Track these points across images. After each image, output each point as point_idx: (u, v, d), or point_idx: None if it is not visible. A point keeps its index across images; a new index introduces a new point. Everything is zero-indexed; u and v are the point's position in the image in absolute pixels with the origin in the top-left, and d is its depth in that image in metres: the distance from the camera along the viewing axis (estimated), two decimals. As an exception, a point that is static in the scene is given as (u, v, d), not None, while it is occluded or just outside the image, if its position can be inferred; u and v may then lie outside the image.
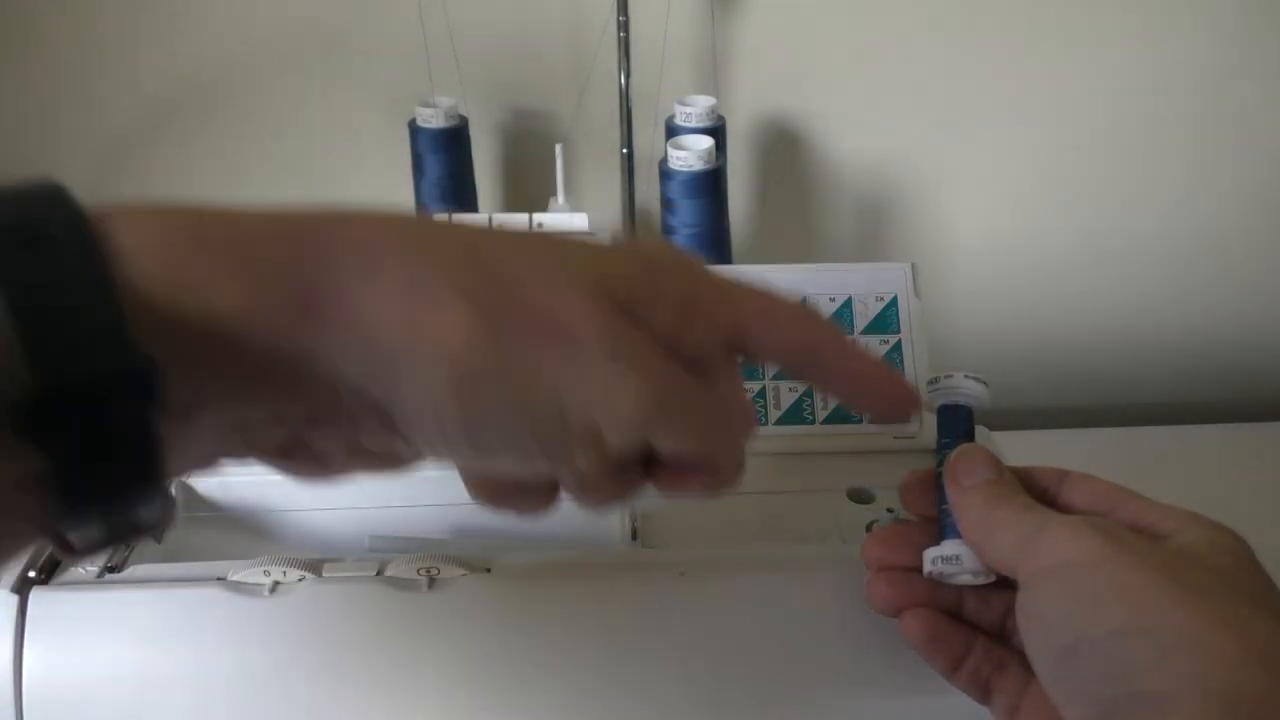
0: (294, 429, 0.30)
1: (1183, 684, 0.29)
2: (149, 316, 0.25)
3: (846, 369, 0.35)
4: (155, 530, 0.27)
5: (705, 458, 0.33)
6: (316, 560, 0.42)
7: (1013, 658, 0.37)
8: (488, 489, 0.34)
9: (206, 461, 0.30)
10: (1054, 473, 0.39)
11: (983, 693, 0.38)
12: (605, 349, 0.29)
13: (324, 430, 0.30)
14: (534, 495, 0.34)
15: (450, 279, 0.29)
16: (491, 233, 0.33)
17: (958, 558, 0.37)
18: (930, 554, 0.38)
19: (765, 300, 0.34)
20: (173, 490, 0.27)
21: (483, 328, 0.28)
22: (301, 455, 0.31)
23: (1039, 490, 0.38)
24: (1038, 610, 0.33)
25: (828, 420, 0.51)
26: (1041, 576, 0.33)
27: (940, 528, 0.39)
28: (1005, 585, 0.36)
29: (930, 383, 0.41)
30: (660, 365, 0.31)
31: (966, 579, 0.38)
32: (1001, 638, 0.38)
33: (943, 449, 0.40)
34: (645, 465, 0.33)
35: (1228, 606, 0.30)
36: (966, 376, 0.40)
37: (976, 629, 0.38)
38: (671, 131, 0.78)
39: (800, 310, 0.35)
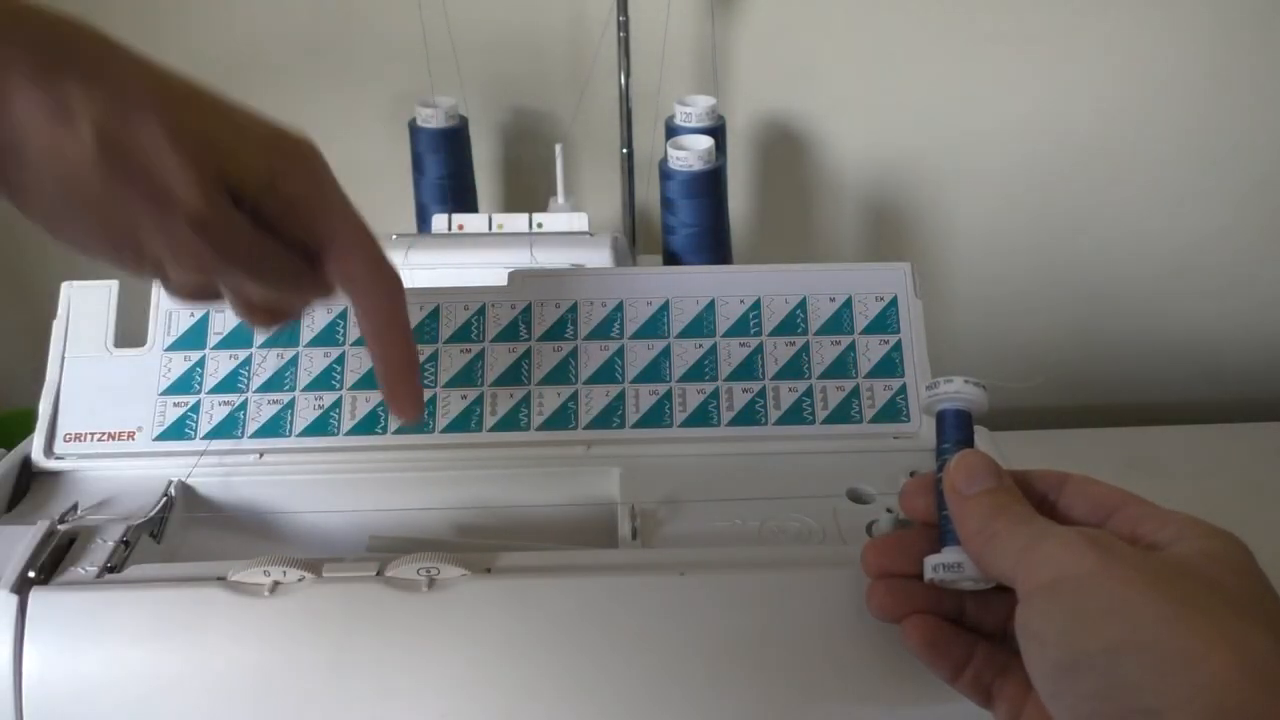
0: None
1: (1176, 702, 0.29)
2: None
3: (380, 345, 0.42)
4: None
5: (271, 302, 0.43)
6: (316, 560, 0.42)
7: (1014, 663, 0.37)
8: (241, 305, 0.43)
9: None
10: (1054, 476, 0.38)
11: (985, 698, 0.38)
12: (193, 219, 0.37)
13: None
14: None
15: (98, 109, 0.35)
16: (172, 79, 0.38)
17: (959, 565, 0.37)
18: (931, 561, 0.38)
19: (355, 238, 0.41)
20: None
21: (99, 156, 0.35)
22: None
23: (1038, 496, 0.38)
24: (1035, 626, 0.33)
25: (828, 420, 0.51)
26: (1038, 592, 0.33)
27: (941, 534, 0.38)
28: (1006, 590, 0.36)
29: (929, 387, 0.41)
30: (241, 241, 0.38)
31: (968, 585, 0.38)
32: (1003, 642, 0.38)
33: (942, 454, 0.39)
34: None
35: (1223, 622, 0.30)
36: (965, 381, 0.40)
37: (978, 634, 0.38)
38: (671, 131, 0.78)
39: (377, 271, 0.42)
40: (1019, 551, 0.34)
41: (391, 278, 0.42)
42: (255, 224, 0.39)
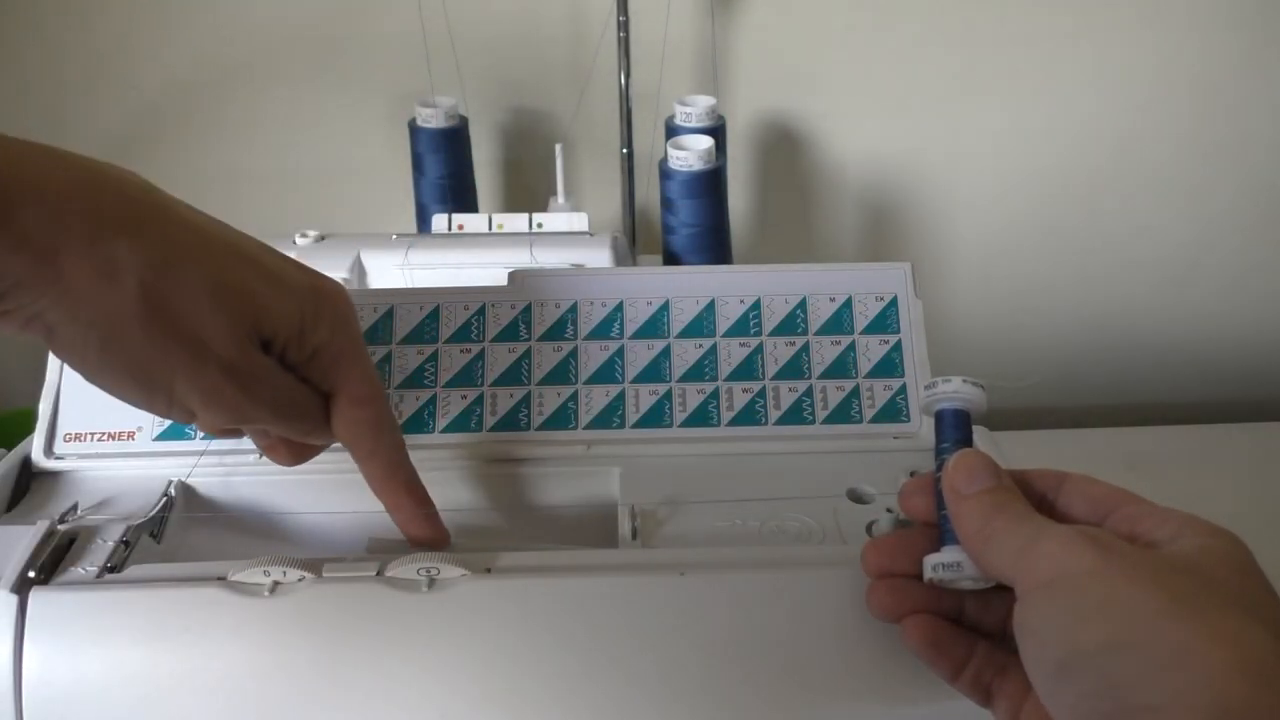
0: None
1: (1173, 699, 0.29)
2: None
3: (382, 496, 0.45)
4: None
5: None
6: (316, 560, 0.42)
7: (1014, 662, 0.37)
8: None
9: None
10: (1053, 476, 0.38)
11: (985, 697, 0.38)
12: (226, 368, 0.39)
13: None
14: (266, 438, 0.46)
15: (142, 265, 0.36)
16: (213, 231, 0.40)
17: (958, 564, 0.37)
18: (931, 560, 0.38)
19: (363, 392, 0.43)
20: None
21: (141, 309, 0.37)
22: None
23: (1037, 496, 0.38)
24: (1033, 624, 0.33)
25: (828, 420, 0.51)
26: (1037, 590, 0.33)
27: (940, 533, 0.38)
28: (1006, 589, 0.36)
29: (928, 387, 0.41)
30: (269, 386, 0.41)
31: (968, 584, 0.38)
32: (1002, 641, 0.38)
33: (941, 453, 0.39)
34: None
35: (1220, 618, 0.30)
36: (964, 381, 0.40)
37: (977, 633, 0.38)
38: (671, 131, 0.78)
39: (376, 421, 0.44)
40: (1018, 550, 0.34)
41: (388, 438, 0.44)
42: (282, 365, 0.41)
